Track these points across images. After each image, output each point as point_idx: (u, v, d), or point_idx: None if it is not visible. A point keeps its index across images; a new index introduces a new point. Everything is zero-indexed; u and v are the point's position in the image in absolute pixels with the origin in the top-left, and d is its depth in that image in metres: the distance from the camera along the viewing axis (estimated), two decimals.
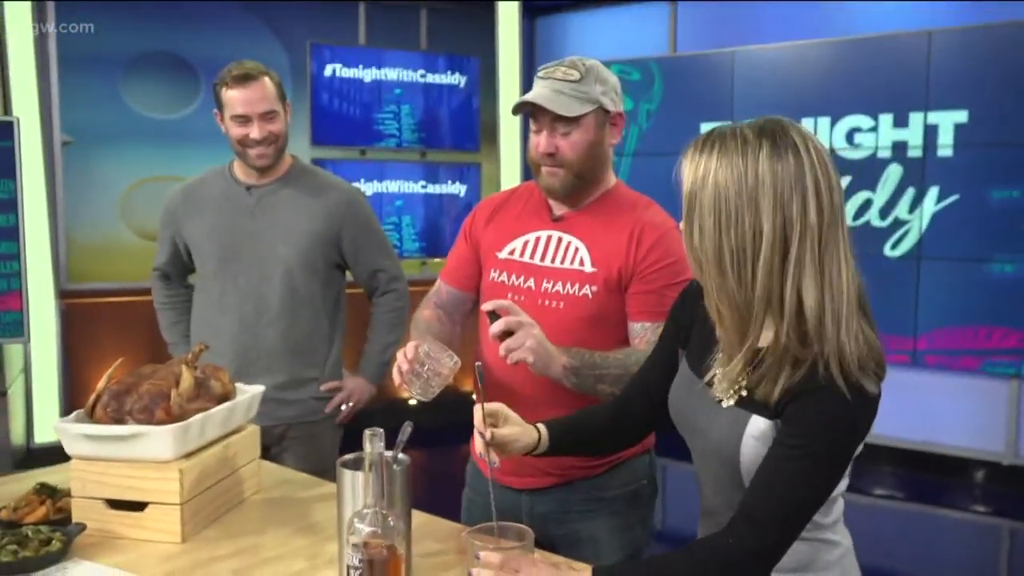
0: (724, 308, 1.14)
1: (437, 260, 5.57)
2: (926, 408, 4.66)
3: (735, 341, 1.15)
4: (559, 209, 1.78)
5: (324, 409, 2.36)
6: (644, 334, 1.67)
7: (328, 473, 1.97)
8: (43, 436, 4.50)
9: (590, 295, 1.69)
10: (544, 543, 1.75)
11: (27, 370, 4.45)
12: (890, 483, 4.64)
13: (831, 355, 1.10)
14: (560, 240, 1.75)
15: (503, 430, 1.32)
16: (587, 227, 1.74)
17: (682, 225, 1.19)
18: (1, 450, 3.83)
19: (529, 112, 1.70)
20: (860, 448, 1.17)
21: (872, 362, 1.13)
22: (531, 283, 1.74)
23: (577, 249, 1.72)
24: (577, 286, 1.70)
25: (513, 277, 1.77)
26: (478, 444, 1.31)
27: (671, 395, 1.33)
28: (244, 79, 2.20)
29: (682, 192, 1.16)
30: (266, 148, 2.24)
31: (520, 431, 1.35)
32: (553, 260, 1.73)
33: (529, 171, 1.80)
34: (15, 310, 3.42)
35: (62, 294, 4.65)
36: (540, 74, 1.70)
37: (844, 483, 1.23)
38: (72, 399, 4.60)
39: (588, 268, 1.70)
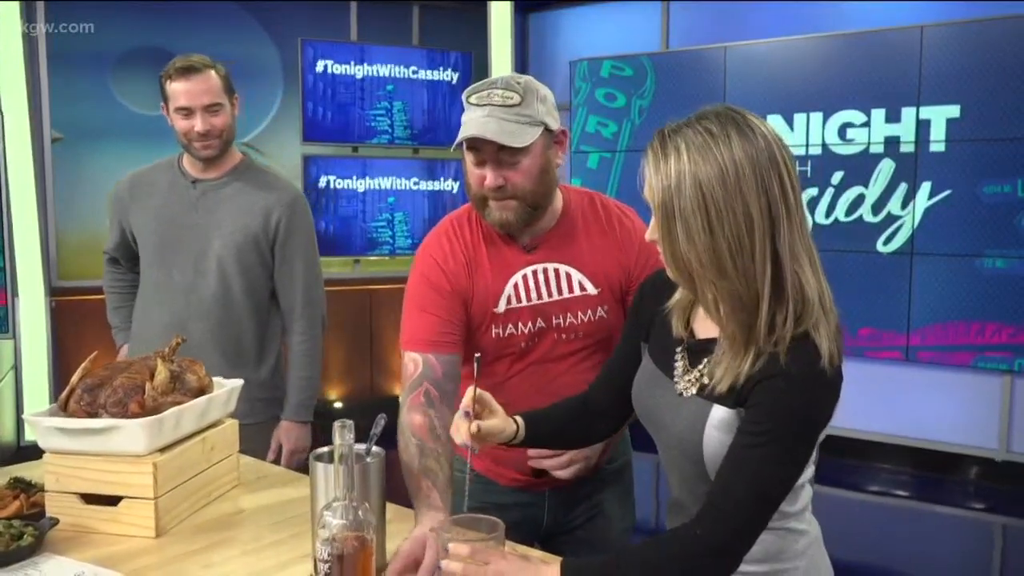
0: (728, 307, 1.11)
1: None
2: (919, 404, 4.65)
3: (741, 337, 1.12)
4: (525, 238, 1.65)
5: (257, 414, 2.31)
6: None
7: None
8: (33, 433, 4.47)
9: (605, 315, 1.63)
10: (561, 528, 1.76)
11: (17, 367, 4.43)
12: (883, 479, 4.63)
13: (823, 334, 1.09)
14: (547, 271, 1.64)
15: (489, 421, 1.32)
16: (566, 250, 1.64)
17: (652, 235, 1.15)
18: None
19: (464, 143, 1.53)
20: (823, 436, 1.16)
21: (837, 343, 1.12)
22: (541, 323, 1.64)
23: (570, 275, 1.63)
24: (590, 312, 1.63)
25: (520, 326, 1.64)
26: (461, 430, 1.29)
27: (634, 389, 1.33)
28: (187, 71, 2.19)
29: (652, 202, 1.12)
30: (210, 140, 2.23)
31: (503, 423, 1.35)
32: (550, 294, 1.63)
33: None
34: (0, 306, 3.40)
35: (52, 291, 4.63)
36: (472, 99, 1.53)
37: (810, 470, 1.22)
38: None
39: (592, 290, 1.63)
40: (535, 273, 1.63)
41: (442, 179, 5.53)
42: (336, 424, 1.19)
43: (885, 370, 4.65)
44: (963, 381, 4.52)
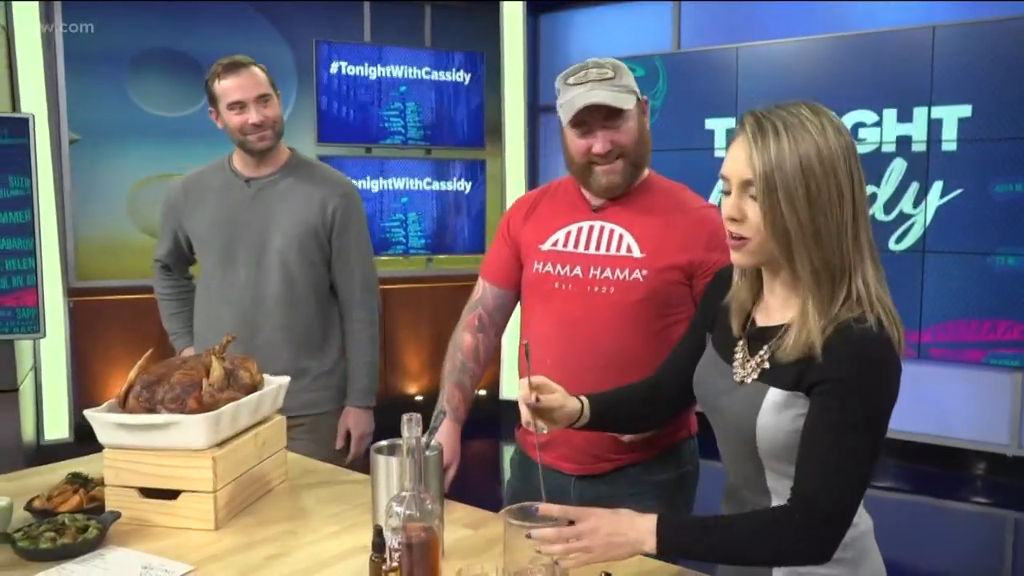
0: (811, 275, 1.16)
1: (442, 257, 5.60)
2: (931, 400, 4.69)
3: (822, 306, 1.16)
4: (596, 201, 1.80)
5: (325, 403, 2.36)
6: None
7: (333, 463, 1.99)
8: (53, 433, 4.52)
9: (641, 279, 1.71)
10: None
11: (36, 367, 4.46)
12: (895, 475, 4.67)
13: (882, 311, 1.16)
14: (603, 229, 1.77)
15: (547, 396, 1.35)
16: (628, 215, 1.76)
17: (732, 211, 1.19)
18: (13, 447, 3.85)
19: (572, 120, 1.69)
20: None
21: (895, 329, 1.18)
22: (578, 271, 1.76)
23: (622, 236, 1.75)
24: (627, 271, 1.72)
25: (559, 267, 1.78)
26: (524, 414, 1.33)
27: (696, 376, 1.37)
28: (235, 67, 2.24)
29: (742, 179, 1.17)
30: (265, 131, 2.26)
31: (563, 399, 1.37)
32: (598, 248, 1.76)
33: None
34: (31, 306, 3.44)
35: (70, 292, 4.67)
36: (570, 80, 1.70)
37: None
38: (81, 396, 4.62)
39: (637, 253, 1.72)
40: (591, 228, 1.78)
41: (454, 179, 5.56)
42: (404, 417, 1.23)
43: None
44: (975, 377, 4.56)
